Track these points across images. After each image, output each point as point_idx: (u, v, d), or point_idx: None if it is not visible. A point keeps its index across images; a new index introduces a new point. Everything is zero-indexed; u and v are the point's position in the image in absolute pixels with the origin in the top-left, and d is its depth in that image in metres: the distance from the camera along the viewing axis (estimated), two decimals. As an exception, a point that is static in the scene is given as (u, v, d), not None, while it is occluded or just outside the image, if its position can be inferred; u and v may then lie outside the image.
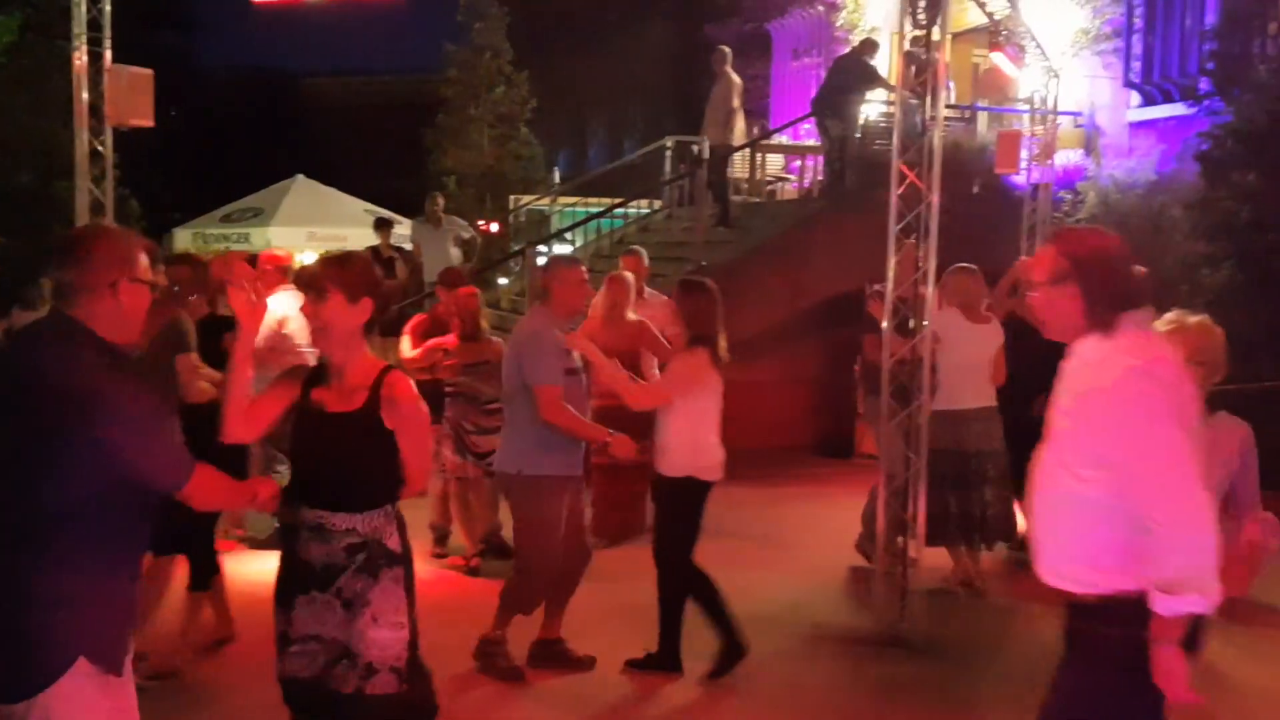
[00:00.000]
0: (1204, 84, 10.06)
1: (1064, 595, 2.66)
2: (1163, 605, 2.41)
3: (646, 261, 7.83)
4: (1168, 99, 10.99)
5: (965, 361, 6.12)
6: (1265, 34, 9.52)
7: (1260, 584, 3.52)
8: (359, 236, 14.47)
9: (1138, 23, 11.37)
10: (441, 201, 11.31)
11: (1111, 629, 2.55)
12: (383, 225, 12.17)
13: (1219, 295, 8.73)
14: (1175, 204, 9.66)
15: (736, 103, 11.13)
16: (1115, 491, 2.50)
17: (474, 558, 6.43)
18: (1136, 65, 11.42)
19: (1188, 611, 2.41)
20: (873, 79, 11.41)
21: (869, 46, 11.79)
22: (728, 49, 11.25)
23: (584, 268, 5.04)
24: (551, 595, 4.95)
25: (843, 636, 5.55)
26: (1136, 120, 11.43)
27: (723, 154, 11.43)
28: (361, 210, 16.30)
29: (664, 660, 4.90)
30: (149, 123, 7.10)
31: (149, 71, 7.08)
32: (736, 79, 11.25)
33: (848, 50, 13.01)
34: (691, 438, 4.81)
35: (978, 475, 6.15)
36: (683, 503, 4.86)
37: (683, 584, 4.90)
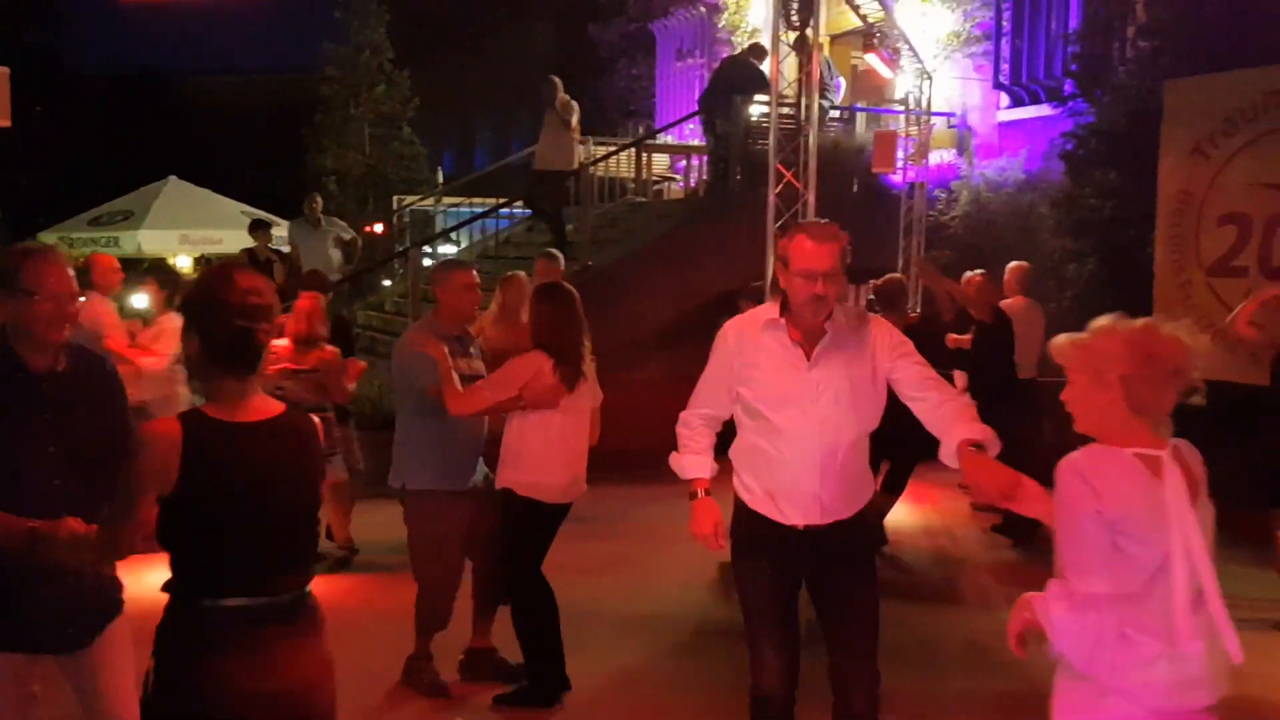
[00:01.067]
0: (1068, 86, 10.43)
1: None
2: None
3: (562, 265, 7.70)
4: (1035, 100, 11.38)
5: None
6: (1124, 38, 9.91)
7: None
8: (234, 239, 14.08)
9: (1005, 26, 11.73)
10: (320, 202, 11.05)
11: None
12: (259, 227, 11.85)
13: (1084, 289, 9.09)
14: (1043, 201, 10.01)
15: (575, 125, 10.97)
16: None
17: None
18: (1005, 67, 11.79)
19: None
20: (758, 81, 11.56)
21: (758, 51, 11.97)
22: (558, 79, 10.98)
23: (473, 271, 4.96)
24: (477, 604, 4.86)
25: (733, 632, 5.59)
26: (1006, 121, 11.80)
27: (555, 181, 11.09)
28: (238, 212, 15.86)
29: (534, 694, 4.64)
30: (5, 122, 6.78)
31: (4, 69, 6.76)
32: (573, 104, 11.06)
33: (736, 52, 13.17)
34: (524, 450, 4.49)
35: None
36: (520, 522, 4.54)
37: (528, 605, 4.60)
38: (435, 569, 4.67)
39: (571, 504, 4.65)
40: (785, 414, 3.28)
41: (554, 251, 7.63)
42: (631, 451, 9.83)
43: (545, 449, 4.47)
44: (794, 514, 3.33)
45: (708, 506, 3.52)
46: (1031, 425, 6.74)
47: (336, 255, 10.82)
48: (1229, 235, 7.88)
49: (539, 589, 4.60)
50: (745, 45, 13.90)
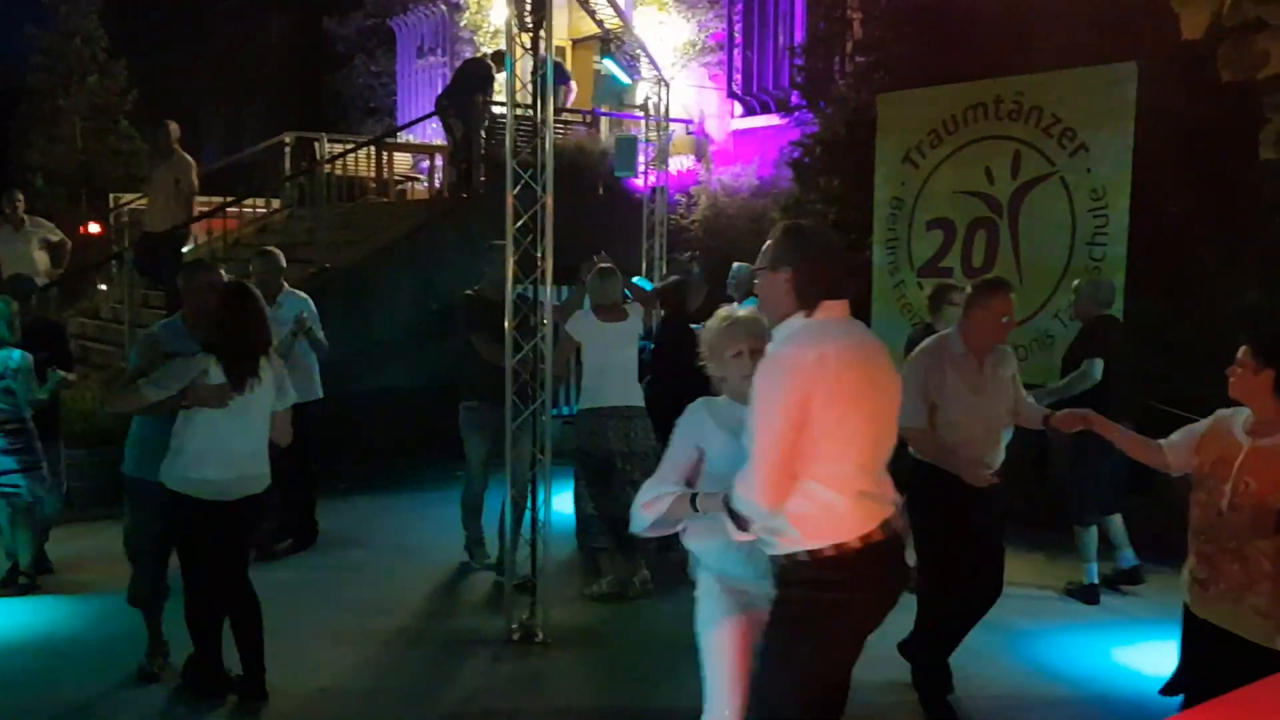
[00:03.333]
0: (795, 97, 10.99)
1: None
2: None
3: (283, 263, 7.26)
4: (765, 110, 11.92)
5: (603, 361, 6.20)
6: (844, 53, 10.54)
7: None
8: (-76, 240, 12.63)
9: (737, 38, 12.23)
10: (22, 201, 10.10)
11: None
12: (-47, 228, 10.69)
13: (812, 289, 9.59)
14: (774, 207, 10.48)
15: (193, 182, 9.85)
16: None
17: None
18: (738, 78, 12.28)
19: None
20: (493, 82, 11.56)
21: (499, 58, 11.96)
22: (173, 125, 9.79)
23: (220, 271, 5.00)
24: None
25: (477, 639, 5.55)
26: (740, 129, 12.30)
27: (169, 242, 9.74)
28: (-72, 210, 14.28)
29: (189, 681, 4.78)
30: None
31: None
32: (190, 160, 9.90)
33: (478, 53, 13.10)
34: (181, 448, 4.47)
35: (622, 476, 6.04)
36: (178, 516, 4.53)
37: (190, 598, 4.64)
38: (132, 547, 4.88)
39: (255, 502, 4.62)
40: None
41: (270, 250, 7.24)
42: (377, 460, 9.62)
43: (202, 447, 4.44)
44: None
45: None
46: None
47: (43, 258, 9.93)
48: (936, 239, 8.53)
49: (201, 586, 4.60)
50: (488, 46, 13.88)
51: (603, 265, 6.45)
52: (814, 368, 2.83)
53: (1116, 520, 6.40)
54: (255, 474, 4.62)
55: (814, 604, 2.90)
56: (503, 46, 12.36)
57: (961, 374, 4.59)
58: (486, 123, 11.50)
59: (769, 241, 3.06)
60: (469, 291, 6.63)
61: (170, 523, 4.58)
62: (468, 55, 13.30)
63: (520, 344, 5.56)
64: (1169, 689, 3.74)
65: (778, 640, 2.97)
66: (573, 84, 12.16)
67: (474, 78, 11.53)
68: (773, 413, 2.82)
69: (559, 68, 11.04)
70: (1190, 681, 3.60)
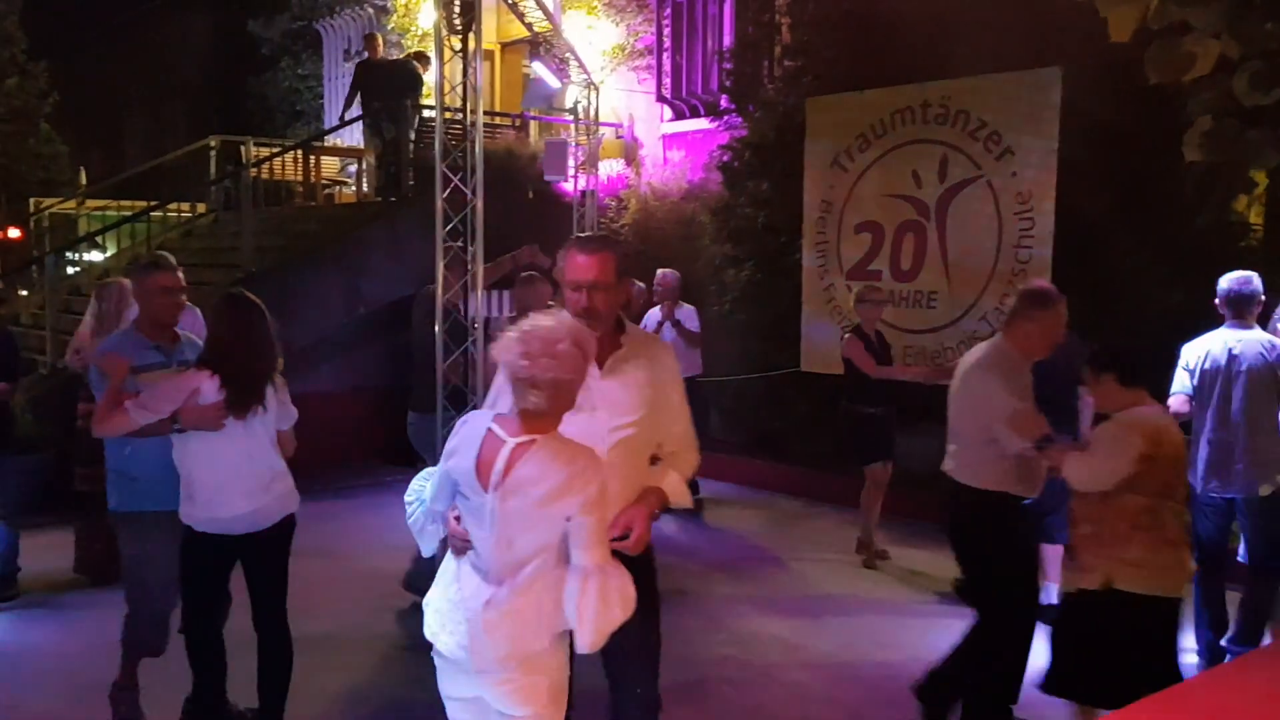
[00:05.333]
0: (724, 101, 11.03)
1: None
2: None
3: (171, 268, 6.99)
4: (695, 114, 11.94)
5: None
6: (772, 57, 10.61)
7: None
8: None
9: (666, 42, 12.24)
10: (-65, 205, 9.81)
11: None
12: None
13: (743, 292, 9.64)
14: (704, 210, 10.51)
15: None
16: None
17: None
18: (667, 82, 12.30)
19: None
20: (420, 85, 11.49)
21: (422, 58, 11.88)
22: None
23: (176, 273, 4.55)
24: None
25: (410, 646, 5.48)
26: (669, 133, 12.31)
27: None
28: None
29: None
30: None
31: None
32: None
33: (401, 56, 12.99)
34: (199, 481, 4.12)
35: None
36: (190, 554, 4.21)
37: (197, 640, 4.32)
38: (137, 592, 4.44)
39: (289, 520, 4.32)
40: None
41: (162, 254, 6.96)
42: (302, 466, 9.46)
43: (220, 481, 4.08)
44: None
45: None
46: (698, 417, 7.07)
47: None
48: (865, 242, 8.62)
49: (207, 627, 4.30)
50: (412, 49, 13.75)
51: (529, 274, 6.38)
52: None
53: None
54: (285, 491, 4.27)
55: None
56: (422, 50, 12.41)
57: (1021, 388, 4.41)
58: (415, 125, 11.40)
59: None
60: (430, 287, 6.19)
61: (187, 560, 4.20)
62: (394, 57, 13.14)
63: (451, 348, 5.51)
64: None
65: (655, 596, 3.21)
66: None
67: (402, 80, 11.43)
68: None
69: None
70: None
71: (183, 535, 4.15)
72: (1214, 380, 5.16)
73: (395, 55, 13.52)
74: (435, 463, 6.12)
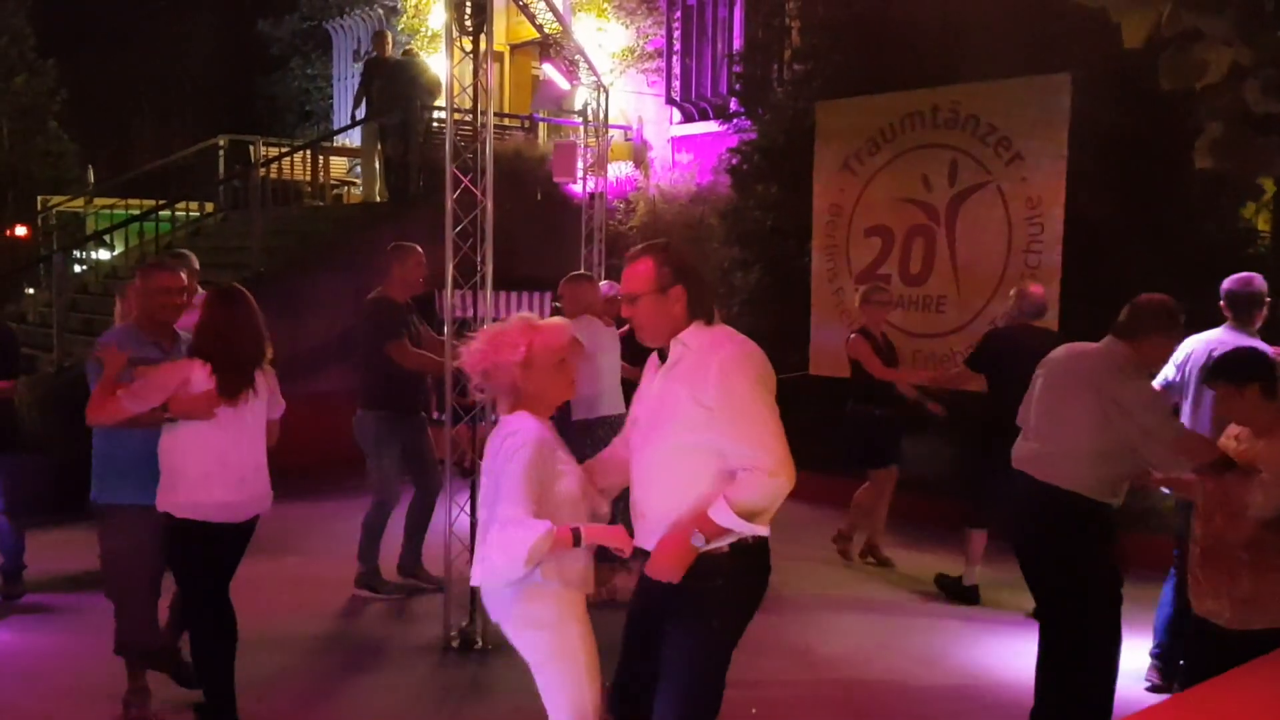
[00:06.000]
0: (733, 104, 11.04)
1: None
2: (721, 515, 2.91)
3: (195, 265, 7.09)
4: (704, 116, 11.96)
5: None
6: (782, 60, 10.62)
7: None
8: None
9: (676, 45, 12.26)
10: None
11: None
12: None
13: (751, 295, 9.64)
14: (712, 213, 10.53)
15: None
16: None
17: None
18: (676, 84, 12.32)
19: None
20: (425, 85, 11.53)
21: (411, 56, 11.97)
22: None
23: (179, 273, 4.62)
24: (169, 619, 4.74)
25: (410, 647, 5.49)
26: (678, 135, 12.33)
27: None
28: None
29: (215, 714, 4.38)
30: None
31: None
32: None
33: (405, 56, 13.02)
34: (182, 470, 4.12)
35: None
36: (184, 546, 4.19)
37: (198, 634, 4.35)
38: (125, 583, 4.42)
39: (256, 520, 4.35)
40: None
41: (182, 252, 6.98)
42: (310, 466, 9.48)
43: (206, 468, 4.12)
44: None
45: None
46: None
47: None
48: (874, 246, 8.61)
49: (212, 618, 4.30)
50: (426, 52, 13.78)
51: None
52: (760, 355, 3.06)
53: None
54: (263, 491, 4.34)
55: (735, 592, 3.06)
56: (410, 48, 12.39)
57: None
58: (424, 126, 11.44)
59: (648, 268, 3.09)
60: (373, 295, 6.30)
61: (168, 552, 4.23)
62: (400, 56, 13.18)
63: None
64: None
65: (701, 628, 3.05)
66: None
67: (412, 80, 11.46)
68: (760, 395, 2.96)
69: None
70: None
71: (162, 525, 4.17)
72: (1192, 380, 5.12)
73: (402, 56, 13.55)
74: (375, 456, 6.23)
